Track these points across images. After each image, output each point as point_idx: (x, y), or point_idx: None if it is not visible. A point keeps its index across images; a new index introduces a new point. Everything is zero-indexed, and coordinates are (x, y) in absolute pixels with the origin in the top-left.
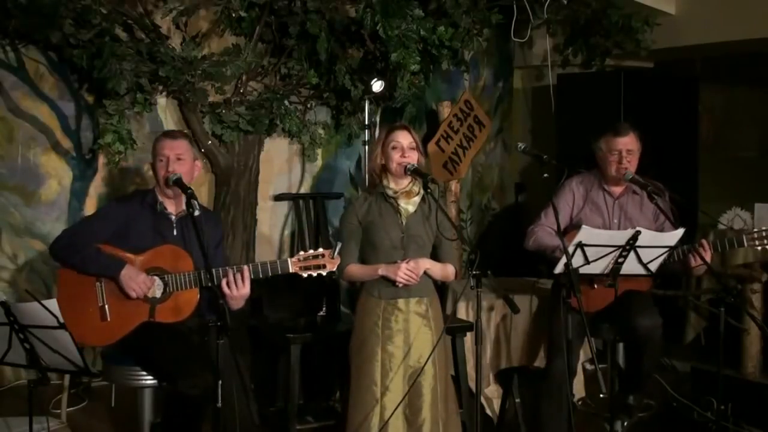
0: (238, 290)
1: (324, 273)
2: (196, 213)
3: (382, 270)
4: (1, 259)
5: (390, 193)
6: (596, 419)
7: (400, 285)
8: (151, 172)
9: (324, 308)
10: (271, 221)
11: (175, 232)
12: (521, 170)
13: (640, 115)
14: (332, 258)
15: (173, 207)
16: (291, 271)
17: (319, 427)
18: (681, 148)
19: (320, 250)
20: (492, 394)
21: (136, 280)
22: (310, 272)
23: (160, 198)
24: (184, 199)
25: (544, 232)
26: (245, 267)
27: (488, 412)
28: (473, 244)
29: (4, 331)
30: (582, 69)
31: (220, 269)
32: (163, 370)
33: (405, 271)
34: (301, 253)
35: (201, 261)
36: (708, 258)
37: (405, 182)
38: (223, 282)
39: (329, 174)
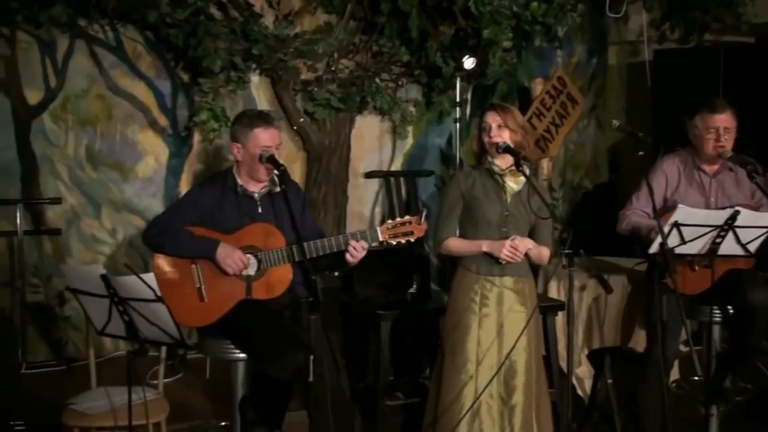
0: (359, 254)
1: (412, 240)
2: (278, 190)
3: (486, 246)
4: (101, 233)
5: (497, 170)
6: (691, 402)
7: (503, 262)
8: (238, 155)
9: (414, 285)
10: (362, 198)
11: (260, 210)
12: (615, 148)
13: (741, 92)
14: (419, 224)
15: (253, 186)
16: (380, 239)
17: (409, 403)
18: None
19: (407, 217)
20: (583, 374)
21: (233, 257)
22: (399, 239)
23: (240, 181)
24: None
25: (636, 215)
26: (345, 237)
27: (579, 392)
28: (565, 223)
29: (105, 303)
30: (679, 44)
31: (311, 243)
32: (254, 351)
33: (510, 249)
34: (389, 221)
35: (292, 234)
36: None
37: (511, 161)
38: (347, 255)
39: (420, 151)
